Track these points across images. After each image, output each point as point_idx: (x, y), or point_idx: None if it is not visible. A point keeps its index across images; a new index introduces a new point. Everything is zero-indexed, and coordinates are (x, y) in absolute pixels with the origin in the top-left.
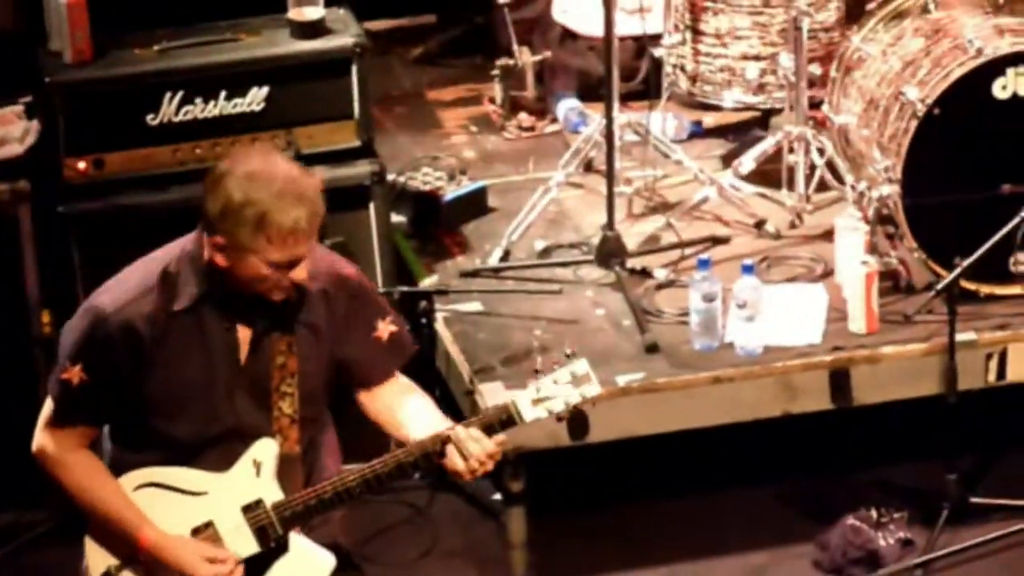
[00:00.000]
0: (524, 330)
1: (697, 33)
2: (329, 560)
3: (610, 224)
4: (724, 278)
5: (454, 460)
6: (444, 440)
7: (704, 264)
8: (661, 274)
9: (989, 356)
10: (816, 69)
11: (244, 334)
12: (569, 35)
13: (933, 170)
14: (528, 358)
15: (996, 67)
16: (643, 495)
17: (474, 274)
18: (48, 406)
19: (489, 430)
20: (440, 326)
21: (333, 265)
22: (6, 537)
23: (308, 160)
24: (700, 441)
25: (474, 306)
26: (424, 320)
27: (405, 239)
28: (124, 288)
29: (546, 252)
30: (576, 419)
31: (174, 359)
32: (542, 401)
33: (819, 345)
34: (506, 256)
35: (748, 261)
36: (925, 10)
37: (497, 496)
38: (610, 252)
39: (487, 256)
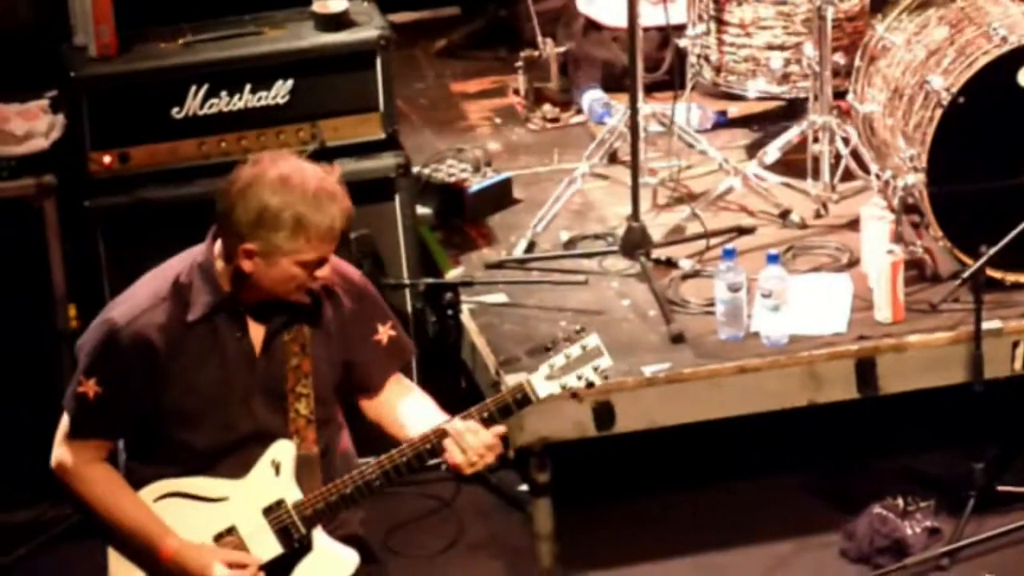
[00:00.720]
0: (549, 321)
1: (721, 23)
2: (353, 557)
3: (635, 215)
4: (749, 268)
5: (453, 453)
6: (441, 434)
7: (729, 254)
8: (686, 264)
9: (1015, 344)
10: (840, 58)
11: (257, 339)
12: (593, 26)
13: (958, 159)
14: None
15: (1021, 55)
16: (669, 485)
17: (499, 265)
18: (65, 420)
19: (504, 411)
20: (466, 317)
21: (339, 267)
22: (29, 534)
23: (333, 153)
24: (726, 431)
25: (499, 297)
26: (450, 312)
27: (430, 231)
28: (136, 300)
29: (571, 243)
30: (601, 409)
31: (190, 369)
32: (556, 378)
33: (845, 334)
34: (531, 247)
35: (773, 251)
36: None
37: (523, 487)
38: (635, 243)
39: (512, 247)
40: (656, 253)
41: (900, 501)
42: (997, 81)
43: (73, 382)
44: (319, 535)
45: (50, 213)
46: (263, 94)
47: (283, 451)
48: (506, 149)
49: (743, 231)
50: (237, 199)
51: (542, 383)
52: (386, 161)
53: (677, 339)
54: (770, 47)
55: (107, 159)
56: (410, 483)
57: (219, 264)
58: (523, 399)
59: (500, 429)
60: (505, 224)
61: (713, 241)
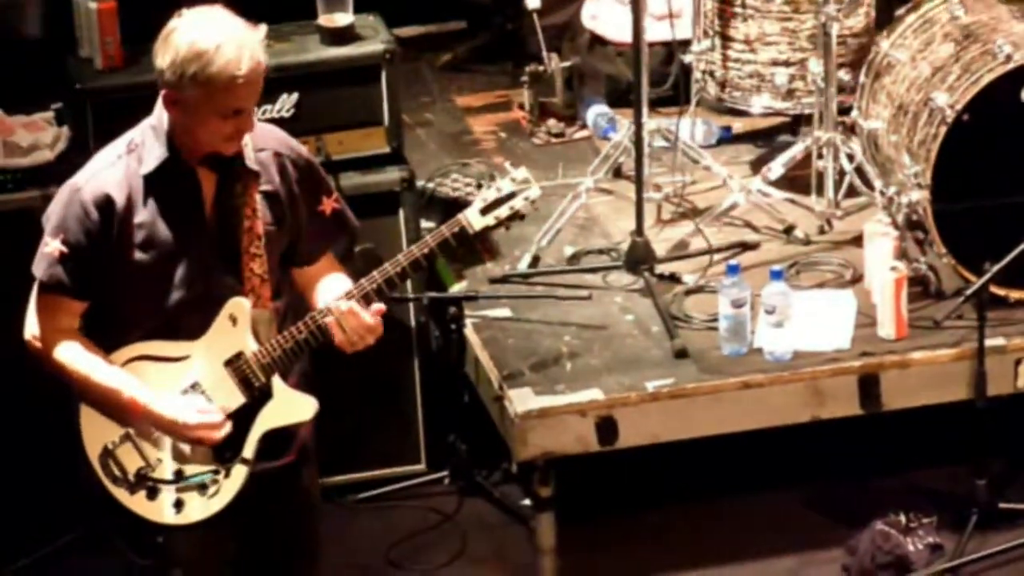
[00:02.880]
0: (553, 336)
1: (726, 39)
2: (312, 401)
3: (639, 230)
4: (753, 284)
5: (336, 331)
6: (327, 312)
7: (733, 270)
8: (690, 280)
9: (1018, 361)
10: (845, 75)
11: (208, 199)
12: (598, 41)
13: (962, 176)
14: (557, 364)
15: None
16: (672, 500)
17: (503, 280)
18: (35, 289)
19: (444, 245)
20: (469, 332)
21: (289, 141)
22: (43, 542)
23: (338, 166)
24: (729, 446)
25: (503, 312)
26: (453, 326)
27: None
28: (95, 164)
29: (575, 258)
30: (605, 424)
31: (146, 225)
32: (489, 211)
33: (848, 351)
34: (535, 262)
35: (777, 267)
36: (954, 16)
37: (526, 502)
38: (639, 258)
39: (516, 262)
40: (660, 268)
41: (902, 517)
42: (1002, 98)
43: (41, 246)
44: (278, 382)
45: None
46: (268, 107)
47: (238, 306)
48: (511, 163)
49: (747, 247)
50: (158, 49)
51: (476, 216)
52: (391, 175)
53: (680, 354)
54: (775, 63)
55: None
56: (413, 497)
57: (167, 123)
58: (460, 232)
59: (378, 307)
60: (509, 238)
61: (717, 257)
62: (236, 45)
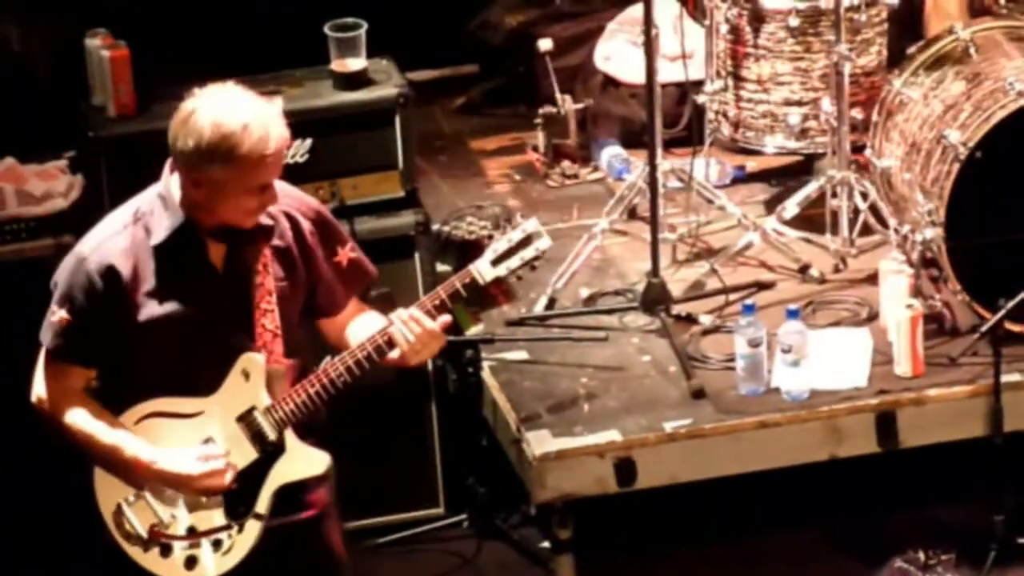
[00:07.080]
0: (570, 378)
1: (739, 79)
2: (325, 458)
3: (655, 271)
4: (769, 323)
5: (400, 342)
6: (388, 325)
7: (749, 309)
8: (706, 320)
9: None
10: (858, 114)
11: (218, 259)
12: (611, 82)
13: (976, 213)
14: (574, 405)
15: None
16: (691, 540)
17: (520, 322)
18: (42, 354)
19: (454, 296)
20: (486, 375)
21: (299, 195)
22: None
23: (352, 210)
24: (747, 485)
25: (520, 354)
26: (470, 369)
27: None
28: (101, 232)
29: (591, 300)
30: (623, 465)
31: (155, 292)
32: (501, 261)
33: (865, 389)
34: (551, 304)
35: (793, 306)
36: (966, 54)
37: (545, 544)
38: (655, 299)
39: (533, 304)
40: (676, 309)
41: (921, 554)
42: (1013, 135)
43: (48, 314)
44: (291, 437)
45: None
46: None
47: (252, 361)
48: (525, 205)
49: (762, 286)
50: (177, 132)
51: (487, 267)
52: (406, 219)
53: (698, 395)
54: (788, 103)
55: None
56: (432, 540)
57: (178, 193)
58: (471, 283)
59: (445, 319)
60: (525, 281)
61: (733, 296)
62: (261, 123)
